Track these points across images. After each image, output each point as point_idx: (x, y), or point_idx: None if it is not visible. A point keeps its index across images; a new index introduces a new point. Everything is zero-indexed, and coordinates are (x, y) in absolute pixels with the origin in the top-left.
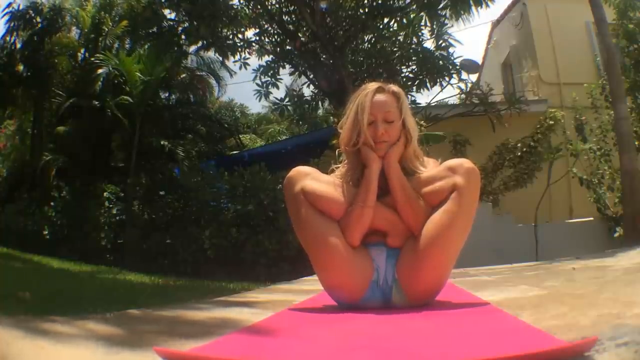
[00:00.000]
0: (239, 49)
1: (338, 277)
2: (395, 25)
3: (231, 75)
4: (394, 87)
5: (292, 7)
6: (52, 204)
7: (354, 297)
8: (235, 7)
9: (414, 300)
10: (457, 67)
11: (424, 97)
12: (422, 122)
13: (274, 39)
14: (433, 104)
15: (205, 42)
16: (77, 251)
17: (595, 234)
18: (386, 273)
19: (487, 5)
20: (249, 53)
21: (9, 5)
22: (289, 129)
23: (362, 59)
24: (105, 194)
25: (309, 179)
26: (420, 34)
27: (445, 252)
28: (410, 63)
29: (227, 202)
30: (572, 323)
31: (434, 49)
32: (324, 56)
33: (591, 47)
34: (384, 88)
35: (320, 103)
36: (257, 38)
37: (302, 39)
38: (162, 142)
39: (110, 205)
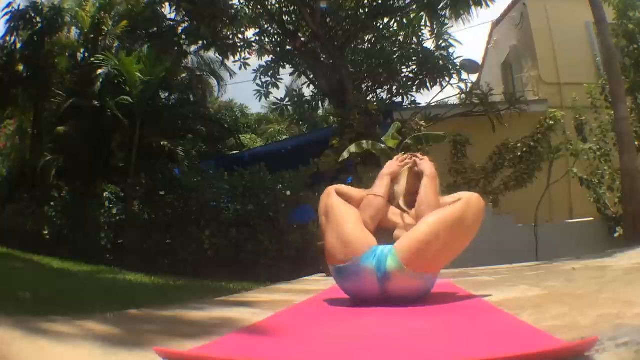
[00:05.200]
0: (239, 49)
1: (347, 234)
2: (395, 25)
3: (231, 76)
4: None
5: (292, 7)
6: (52, 204)
7: (352, 255)
8: (235, 7)
9: (407, 265)
10: (457, 67)
11: (424, 97)
12: (422, 122)
13: (274, 39)
14: (433, 104)
15: (205, 42)
16: (77, 251)
17: (595, 234)
18: (385, 248)
19: (487, 5)
20: (249, 53)
21: (9, 5)
22: (289, 129)
23: (362, 59)
24: (105, 194)
25: (343, 186)
26: (420, 34)
27: (435, 223)
28: (410, 63)
29: (227, 202)
30: (572, 323)
31: (434, 49)
32: (324, 56)
33: (591, 47)
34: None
35: (320, 103)
36: (257, 38)
37: (302, 39)
38: (162, 142)
39: (110, 205)
